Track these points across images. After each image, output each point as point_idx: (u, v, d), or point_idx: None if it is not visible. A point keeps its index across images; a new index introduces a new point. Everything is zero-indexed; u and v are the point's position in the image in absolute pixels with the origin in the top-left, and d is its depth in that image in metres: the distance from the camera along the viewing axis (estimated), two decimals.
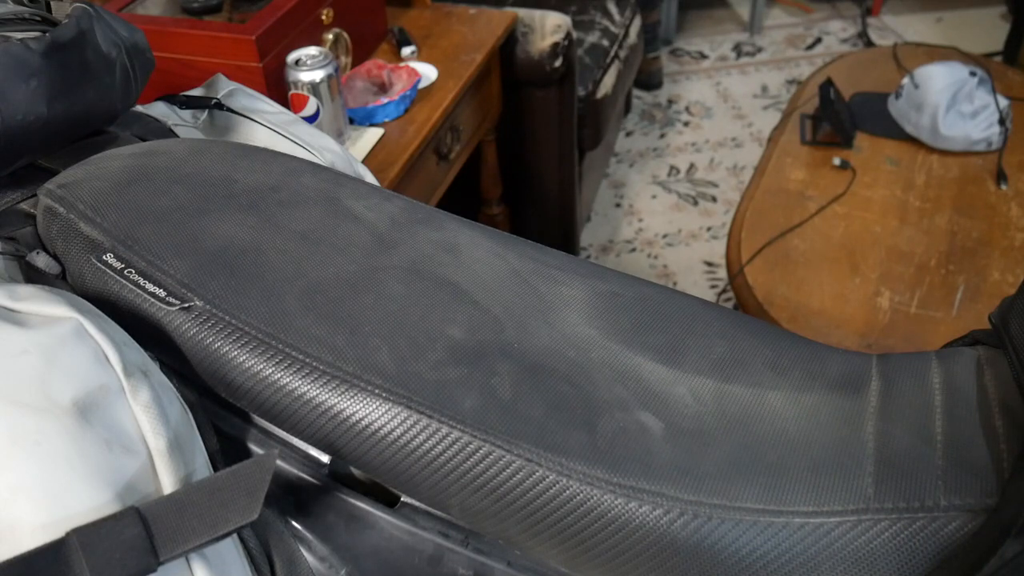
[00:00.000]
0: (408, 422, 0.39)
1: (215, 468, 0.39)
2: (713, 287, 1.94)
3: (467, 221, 0.52)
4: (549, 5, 1.78)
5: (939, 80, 1.57)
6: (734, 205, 2.10)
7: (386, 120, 1.19)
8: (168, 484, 0.35)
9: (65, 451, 0.33)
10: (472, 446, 0.38)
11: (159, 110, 0.67)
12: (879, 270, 1.36)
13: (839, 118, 1.62)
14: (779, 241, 1.42)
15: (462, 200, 1.55)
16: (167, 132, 0.64)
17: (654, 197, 2.20)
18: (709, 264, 2.00)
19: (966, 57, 1.83)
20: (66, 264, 0.45)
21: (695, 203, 2.17)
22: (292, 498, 0.44)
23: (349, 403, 0.40)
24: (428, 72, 1.28)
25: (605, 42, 1.80)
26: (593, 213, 2.14)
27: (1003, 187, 1.52)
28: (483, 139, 1.51)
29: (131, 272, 0.43)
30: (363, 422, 0.39)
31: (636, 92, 2.56)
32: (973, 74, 1.58)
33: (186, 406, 0.39)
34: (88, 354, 0.36)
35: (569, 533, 0.38)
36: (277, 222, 0.48)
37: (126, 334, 0.39)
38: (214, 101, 0.69)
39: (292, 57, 1.06)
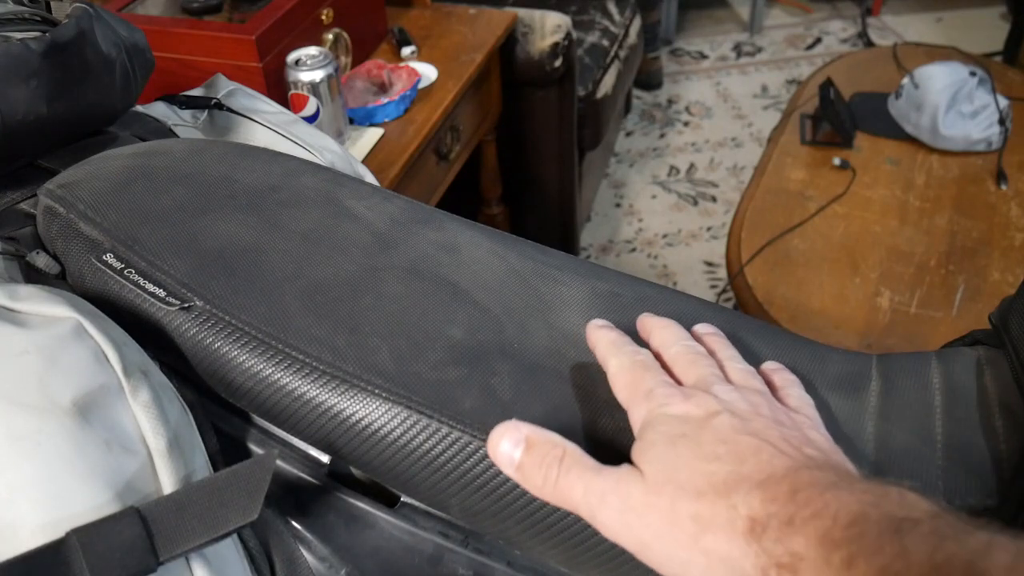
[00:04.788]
0: (408, 422, 0.39)
1: (215, 468, 0.39)
2: (713, 287, 1.94)
3: (467, 221, 0.52)
4: (549, 5, 1.78)
5: (939, 80, 1.57)
6: (734, 205, 2.10)
7: (386, 120, 1.19)
8: (168, 484, 0.35)
9: (65, 451, 0.33)
10: (472, 446, 0.38)
11: (159, 110, 0.67)
12: (879, 270, 1.36)
13: (839, 118, 1.62)
14: (779, 241, 1.42)
15: (462, 200, 1.55)
16: (167, 132, 0.64)
17: (654, 197, 2.20)
18: (709, 264, 2.00)
19: (966, 57, 1.83)
20: (66, 264, 0.45)
21: (695, 203, 2.17)
22: (292, 498, 0.44)
23: (349, 403, 0.40)
24: (428, 72, 1.28)
25: (605, 42, 1.80)
26: (593, 213, 2.14)
27: (1003, 187, 1.52)
28: (483, 139, 1.51)
29: (131, 272, 0.43)
30: (363, 422, 0.39)
31: (636, 92, 2.56)
32: (973, 74, 1.58)
33: (186, 406, 0.39)
34: (88, 354, 0.36)
35: (569, 533, 0.38)
36: (277, 222, 0.48)
37: (126, 334, 0.39)
38: (214, 101, 0.69)
39: (292, 57, 1.07)
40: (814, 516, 0.28)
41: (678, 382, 0.38)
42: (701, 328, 0.43)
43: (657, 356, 0.40)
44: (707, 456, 0.32)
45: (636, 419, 0.36)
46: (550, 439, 0.35)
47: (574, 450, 0.35)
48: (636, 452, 0.34)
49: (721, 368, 0.39)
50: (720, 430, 0.33)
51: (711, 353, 0.40)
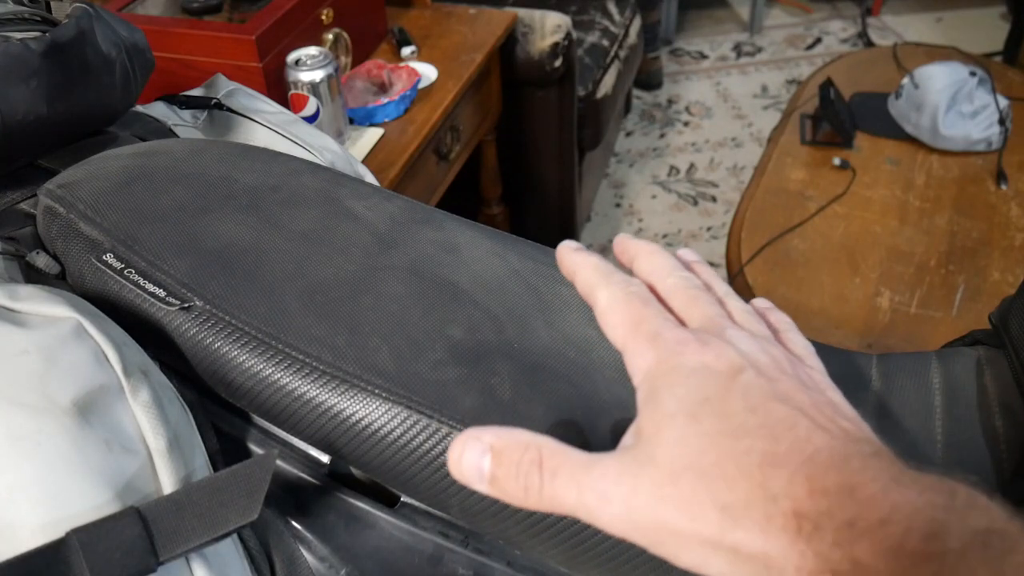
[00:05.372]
0: (408, 422, 0.39)
1: (215, 468, 0.39)
2: None
3: (467, 221, 0.52)
4: (549, 5, 1.78)
5: (939, 80, 1.57)
6: (734, 205, 2.10)
7: (386, 120, 1.19)
8: (168, 484, 0.35)
9: (65, 451, 0.33)
10: None
11: (159, 110, 0.67)
12: (879, 270, 1.36)
13: (839, 118, 1.62)
14: (779, 241, 1.42)
15: (462, 200, 1.55)
16: (167, 132, 0.64)
17: (654, 197, 2.20)
18: (709, 264, 2.00)
19: (966, 57, 1.83)
20: (66, 264, 0.45)
21: (695, 203, 2.17)
22: (292, 498, 0.44)
23: (349, 403, 0.40)
24: (428, 72, 1.28)
25: (605, 42, 1.80)
26: (593, 213, 2.14)
27: (1003, 187, 1.52)
28: (483, 139, 1.51)
29: (131, 272, 0.43)
30: (363, 422, 0.39)
31: (636, 92, 2.56)
32: (973, 74, 1.58)
33: (186, 406, 0.39)
34: (88, 354, 0.36)
35: (569, 533, 0.38)
36: (277, 222, 0.48)
37: (126, 334, 0.39)
38: (214, 101, 0.69)
39: (292, 57, 1.06)
40: (883, 522, 0.24)
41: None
42: (687, 255, 0.37)
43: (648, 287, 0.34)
44: (736, 431, 0.27)
45: (638, 367, 0.30)
46: (518, 440, 0.30)
47: (552, 447, 0.30)
48: (648, 424, 0.29)
49: (721, 305, 0.34)
50: (749, 394, 0.28)
51: (706, 287, 0.35)
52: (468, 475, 0.30)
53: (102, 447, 0.34)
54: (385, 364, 0.41)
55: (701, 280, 0.35)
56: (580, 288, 0.34)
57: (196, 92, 0.70)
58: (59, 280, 0.45)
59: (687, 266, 0.36)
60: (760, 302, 0.37)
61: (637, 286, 0.33)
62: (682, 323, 0.32)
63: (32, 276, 0.45)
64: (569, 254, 0.35)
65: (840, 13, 3.03)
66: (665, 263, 0.35)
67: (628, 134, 2.44)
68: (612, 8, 1.90)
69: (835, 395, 0.31)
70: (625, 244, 0.37)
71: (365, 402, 0.39)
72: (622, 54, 1.86)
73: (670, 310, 0.33)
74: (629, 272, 0.35)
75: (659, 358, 0.30)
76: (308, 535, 0.43)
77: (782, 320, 0.36)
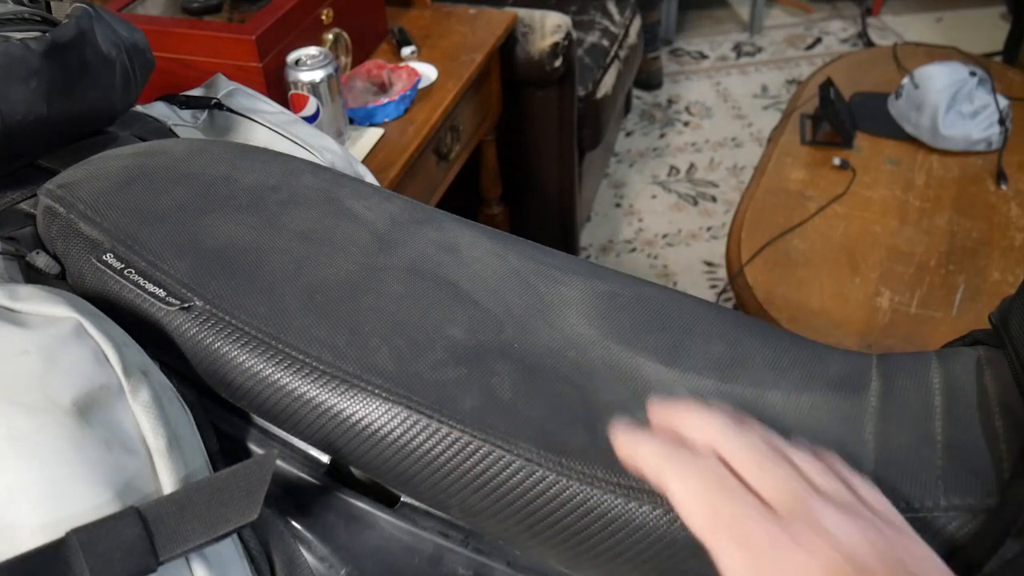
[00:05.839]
0: (408, 422, 0.39)
1: (215, 468, 0.39)
2: (713, 287, 1.94)
3: (467, 221, 0.52)
4: (549, 5, 1.78)
5: (939, 80, 1.57)
6: (734, 205, 2.10)
7: (386, 120, 1.19)
8: (168, 484, 0.35)
9: (65, 451, 0.33)
10: (472, 446, 0.38)
11: (159, 110, 0.67)
12: (879, 270, 1.36)
13: (839, 118, 1.62)
14: (779, 241, 1.42)
15: (462, 200, 1.55)
16: (167, 132, 0.64)
17: (654, 197, 2.20)
18: (709, 264, 2.00)
19: (966, 57, 1.83)
20: (66, 264, 0.45)
21: (695, 203, 2.17)
22: (292, 498, 0.44)
23: (349, 403, 0.40)
24: (428, 72, 1.28)
25: (605, 42, 1.80)
26: (593, 213, 2.14)
27: (1003, 187, 1.52)
28: (483, 139, 1.51)
29: (131, 272, 0.43)
30: (363, 422, 0.39)
31: (636, 92, 2.56)
32: (973, 74, 1.58)
33: (186, 406, 0.39)
34: (88, 354, 0.36)
35: (569, 533, 0.38)
36: (277, 222, 0.48)
37: (126, 334, 0.39)
38: (214, 101, 0.69)
39: (292, 57, 1.06)
40: None
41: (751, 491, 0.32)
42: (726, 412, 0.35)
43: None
44: None
45: (728, 568, 0.30)
46: None
47: None
48: None
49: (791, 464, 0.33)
50: None
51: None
52: None
53: (102, 447, 0.34)
54: (385, 364, 0.41)
55: (757, 434, 0.34)
56: (647, 476, 0.33)
57: (196, 92, 0.70)
58: (59, 280, 0.45)
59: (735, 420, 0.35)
60: (805, 446, 0.35)
61: (707, 465, 0.32)
62: (759, 496, 0.31)
63: (32, 276, 0.45)
64: (627, 445, 0.34)
65: (840, 13, 3.03)
66: (717, 423, 0.34)
67: (628, 134, 2.44)
68: (612, 8, 1.90)
69: (916, 547, 0.31)
70: (661, 415, 0.36)
71: (365, 402, 0.39)
72: (622, 54, 1.86)
73: (738, 476, 0.32)
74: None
75: (752, 564, 0.30)
76: (308, 535, 0.43)
77: (835, 465, 0.34)
